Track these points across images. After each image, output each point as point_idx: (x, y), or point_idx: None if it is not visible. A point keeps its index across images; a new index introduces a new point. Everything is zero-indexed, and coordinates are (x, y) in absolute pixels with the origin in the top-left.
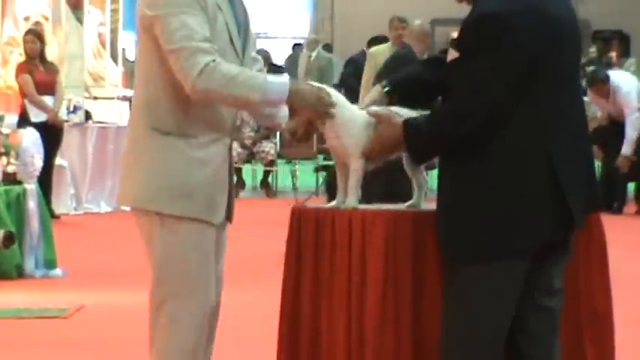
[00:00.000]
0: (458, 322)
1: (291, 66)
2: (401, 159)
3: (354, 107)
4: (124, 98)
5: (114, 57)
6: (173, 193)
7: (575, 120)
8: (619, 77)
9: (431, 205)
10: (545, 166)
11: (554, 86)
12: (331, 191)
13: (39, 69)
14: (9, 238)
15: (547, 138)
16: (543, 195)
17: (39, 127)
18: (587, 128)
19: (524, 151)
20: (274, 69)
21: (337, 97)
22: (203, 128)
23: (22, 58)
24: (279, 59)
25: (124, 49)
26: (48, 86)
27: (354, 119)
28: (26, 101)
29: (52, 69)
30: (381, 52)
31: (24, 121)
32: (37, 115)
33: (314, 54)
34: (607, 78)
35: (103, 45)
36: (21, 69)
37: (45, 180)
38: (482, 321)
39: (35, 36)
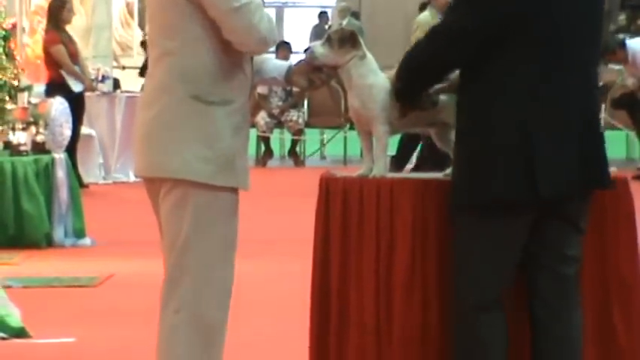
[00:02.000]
0: (455, 271)
1: (318, 34)
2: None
3: (380, 74)
4: None
5: (142, 26)
6: (219, 163)
7: (571, 90)
8: (638, 43)
9: None
10: (517, 128)
11: (538, 48)
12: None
13: (68, 39)
14: None
15: (525, 102)
16: (510, 156)
17: (71, 96)
18: (590, 101)
19: (500, 110)
20: None
21: (367, 63)
22: (237, 93)
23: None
24: (305, 28)
25: None
26: (74, 56)
27: (377, 85)
28: (63, 72)
29: (73, 38)
30: (426, 22)
31: (55, 90)
32: (75, 85)
33: (344, 22)
34: (622, 44)
35: (131, 14)
36: (54, 39)
37: (73, 149)
38: (471, 269)
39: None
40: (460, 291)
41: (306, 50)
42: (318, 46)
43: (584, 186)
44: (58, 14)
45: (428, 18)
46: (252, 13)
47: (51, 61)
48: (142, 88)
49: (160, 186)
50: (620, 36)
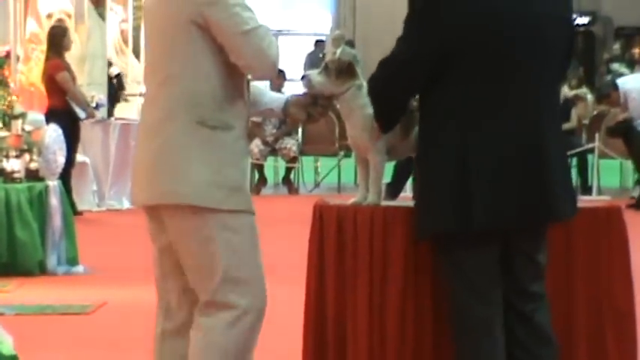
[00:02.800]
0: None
1: (313, 62)
2: None
3: None
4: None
5: (136, 54)
6: (227, 187)
7: (516, 122)
8: (631, 82)
9: None
10: (457, 160)
11: (485, 81)
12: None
13: (68, 66)
14: None
15: (466, 135)
16: (449, 189)
17: (70, 123)
18: (540, 131)
19: (443, 142)
20: None
21: (364, 93)
22: (238, 118)
23: (43, 54)
24: (300, 55)
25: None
26: (74, 82)
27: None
28: (68, 98)
29: (70, 66)
30: None
31: (56, 118)
32: (81, 113)
33: (339, 50)
34: (614, 85)
35: (126, 42)
36: (58, 66)
37: (68, 176)
38: (454, 296)
39: (67, 31)
40: (454, 316)
41: (302, 78)
42: (315, 75)
43: (528, 219)
44: (60, 41)
45: None
46: (261, 37)
47: (55, 88)
48: (141, 115)
49: (169, 215)
50: (614, 65)
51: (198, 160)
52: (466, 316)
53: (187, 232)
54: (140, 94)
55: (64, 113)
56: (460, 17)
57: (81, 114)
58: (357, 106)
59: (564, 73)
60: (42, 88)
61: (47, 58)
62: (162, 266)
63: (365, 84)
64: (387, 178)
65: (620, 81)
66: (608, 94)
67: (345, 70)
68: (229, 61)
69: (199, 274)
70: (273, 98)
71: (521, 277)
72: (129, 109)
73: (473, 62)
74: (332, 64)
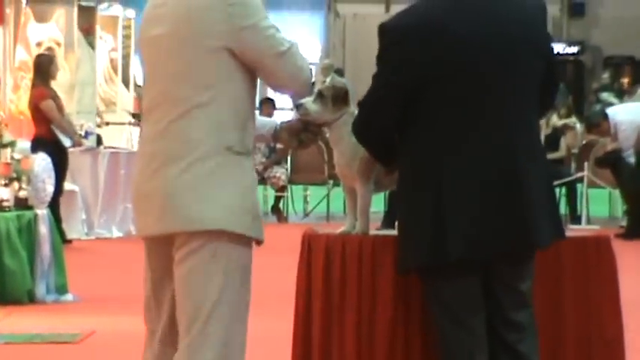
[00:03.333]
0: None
1: None
2: None
3: None
4: (136, 124)
5: (125, 82)
6: (252, 214)
7: (490, 145)
8: (621, 113)
9: None
10: (433, 189)
11: (456, 108)
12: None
13: (54, 94)
14: None
15: (440, 162)
16: (423, 220)
17: (56, 151)
18: (517, 159)
19: (418, 172)
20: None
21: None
22: (252, 144)
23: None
24: None
25: (135, 75)
26: (60, 111)
27: None
28: (53, 127)
29: (57, 94)
30: None
31: (41, 146)
32: (65, 140)
33: (328, 79)
34: (604, 115)
35: (115, 70)
36: (43, 95)
37: (56, 204)
38: (439, 331)
39: (54, 59)
40: (438, 342)
41: (298, 106)
42: (311, 103)
43: (506, 246)
44: (46, 69)
45: None
46: (296, 57)
47: (40, 117)
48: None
49: (181, 244)
50: (603, 94)
51: (226, 185)
52: (448, 344)
53: (199, 263)
54: (130, 123)
55: (49, 142)
56: (431, 45)
57: (66, 142)
58: (348, 133)
59: (549, 100)
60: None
61: (33, 86)
62: (155, 299)
63: (356, 112)
64: (378, 207)
65: (610, 111)
66: (598, 123)
67: (340, 98)
68: (252, 86)
69: (195, 312)
70: (263, 123)
71: (503, 306)
72: (118, 138)
73: (445, 89)
74: (327, 91)
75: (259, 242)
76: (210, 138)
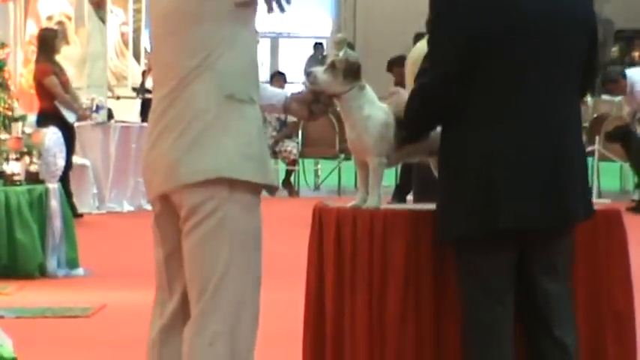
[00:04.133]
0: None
1: (312, 65)
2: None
3: (378, 105)
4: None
5: (136, 56)
6: (257, 161)
7: (540, 120)
8: (638, 73)
9: None
10: (484, 161)
11: (505, 80)
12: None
13: (59, 69)
14: None
15: (490, 133)
16: (471, 190)
17: (63, 126)
18: (562, 133)
19: (466, 144)
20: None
21: (366, 94)
22: (257, 93)
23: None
24: (301, 59)
25: (146, 49)
26: (65, 86)
27: (374, 117)
28: (57, 103)
29: (63, 68)
30: (419, 56)
31: (47, 121)
32: (69, 115)
33: (341, 53)
34: (623, 75)
35: (126, 44)
36: (45, 71)
37: (66, 178)
38: (469, 303)
39: (58, 33)
40: (467, 320)
41: (308, 74)
42: (321, 73)
43: (550, 221)
44: (51, 44)
45: (422, 51)
46: None
47: (43, 92)
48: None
49: (187, 214)
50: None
51: (229, 133)
52: (481, 317)
53: (207, 232)
54: (139, 97)
55: (55, 116)
56: (480, 15)
57: (70, 117)
58: (358, 106)
59: (588, 82)
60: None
61: (36, 62)
62: (167, 272)
63: (367, 86)
64: (389, 181)
65: (629, 71)
66: (615, 79)
67: (352, 72)
68: (249, 35)
69: (205, 280)
70: (273, 93)
71: (543, 279)
72: (129, 112)
73: (494, 61)
74: (340, 63)
75: (271, 189)
76: (209, 92)
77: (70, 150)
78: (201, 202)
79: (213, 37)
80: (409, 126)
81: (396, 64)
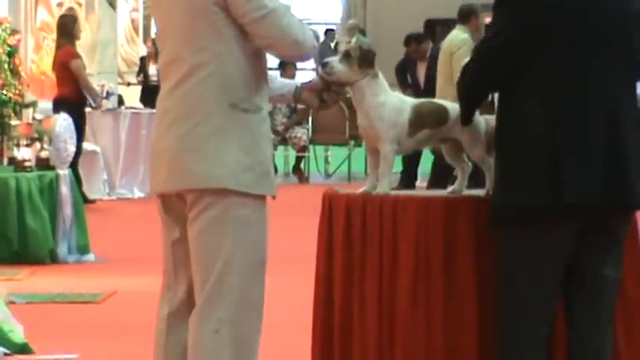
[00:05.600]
0: (499, 291)
1: (323, 52)
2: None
3: (391, 93)
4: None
5: (146, 42)
6: (258, 172)
7: (605, 101)
8: None
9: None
10: (545, 133)
11: (572, 57)
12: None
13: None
14: None
15: (554, 108)
16: (536, 165)
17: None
18: (625, 114)
19: (528, 115)
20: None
21: (379, 82)
22: (264, 101)
23: (54, 43)
24: None
25: (156, 34)
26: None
27: (386, 103)
28: (82, 87)
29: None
30: (465, 39)
31: (64, 107)
32: (92, 101)
33: (354, 39)
34: None
35: (136, 30)
36: (72, 54)
37: (76, 164)
38: (514, 288)
39: (77, 20)
40: (504, 312)
41: (323, 65)
42: (337, 62)
43: (612, 201)
44: (71, 29)
45: (453, 39)
46: (279, 18)
47: (67, 76)
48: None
49: (191, 203)
50: None
51: (231, 143)
52: (523, 300)
53: (209, 222)
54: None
55: (73, 103)
56: None
57: (92, 102)
58: (371, 93)
59: None
60: (53, 76)
61: (59, 46)
62: (174, 258)
63: (380, 73)
64: (396, 167)
65: None
66: None
67: (367, 60)
68: (255, 45)
69: (208, 269)
70: (283, 83)
71: (600, 262)
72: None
73: (562, 36)
74: (354, 51)
75: (272, 197)
76: (214, 97)
77: (80, 136)
78: (205, 195)
79: (220, 35)
80: (464, 93)
81: (415, 41)
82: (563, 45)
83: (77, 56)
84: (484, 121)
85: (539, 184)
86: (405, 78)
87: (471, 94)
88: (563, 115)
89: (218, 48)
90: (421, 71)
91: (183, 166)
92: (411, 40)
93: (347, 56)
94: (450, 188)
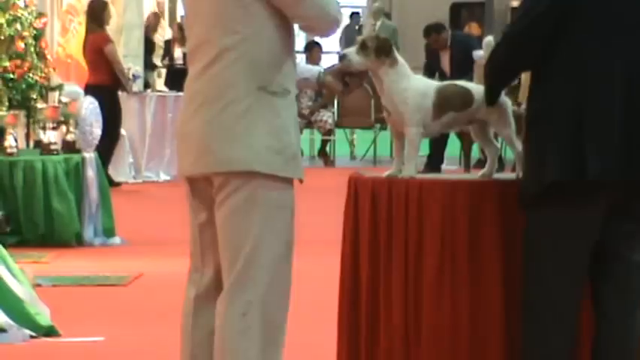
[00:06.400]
0: (525, 273)
1: (349, 35)
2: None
3: (414, 77)
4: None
5: (171, 26)
6: (286, 155)
7: (626, 78)
8: None
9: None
10: (572, 111)
11: (600, 38)
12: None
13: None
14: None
15: (579, 87)
16: (564, 138)
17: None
18: None
19: (556, 94)
20: None
21: (400, 67)
22: (292, 84)
23: (81, 26)
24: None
25: (182, 18)
26: None
27: (410, 88)
28: (117, 72)
29: None
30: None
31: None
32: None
33: (379, 23)
34: None
35: (162, 14)
36: (106, 38)
37: (111, 149)
38: (541, 271)
39: (107, 5)
40: (530, 295)
41: (341, 58)
42: (354, 54)
43: (637, 176)
44: (101, 14)
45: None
46: None
47: (101, 62)
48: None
49: (218, 187)
50: None
51: (259, 126)
52: (547, 295)
53: (237, 205)
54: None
55: (106, 89)
56: None
57: (126, 86)
58: (392, 80)
59: None
60: (80, 60)
61: (90, 31)
62: (201, 242)
63: (400, 59)
64: (423, 151)
65: None
66: None
67: (384, 50)
68: (285, 24)
69: (236, 252)
70: (306, 68)
71: (627, 246)
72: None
73: (585, 17)
74: (371, 42)
75: (300, 181)
76: (243, 79)
77: (117, 122)
78: (232, 178)
79: (250, 18)
80: (493, 74)
81: (434, 31)
82: (587, 23)
83: (111, 41)
84: (509, 101)
85: (565, 160)
86: (433, 74)
87: (499, 75)
88: (587, 93)
89: (247, 30)
90: (445, 60)
91: (211, 149)
92: (430, 30)
93: (364, 47)
94: (480, 172)
